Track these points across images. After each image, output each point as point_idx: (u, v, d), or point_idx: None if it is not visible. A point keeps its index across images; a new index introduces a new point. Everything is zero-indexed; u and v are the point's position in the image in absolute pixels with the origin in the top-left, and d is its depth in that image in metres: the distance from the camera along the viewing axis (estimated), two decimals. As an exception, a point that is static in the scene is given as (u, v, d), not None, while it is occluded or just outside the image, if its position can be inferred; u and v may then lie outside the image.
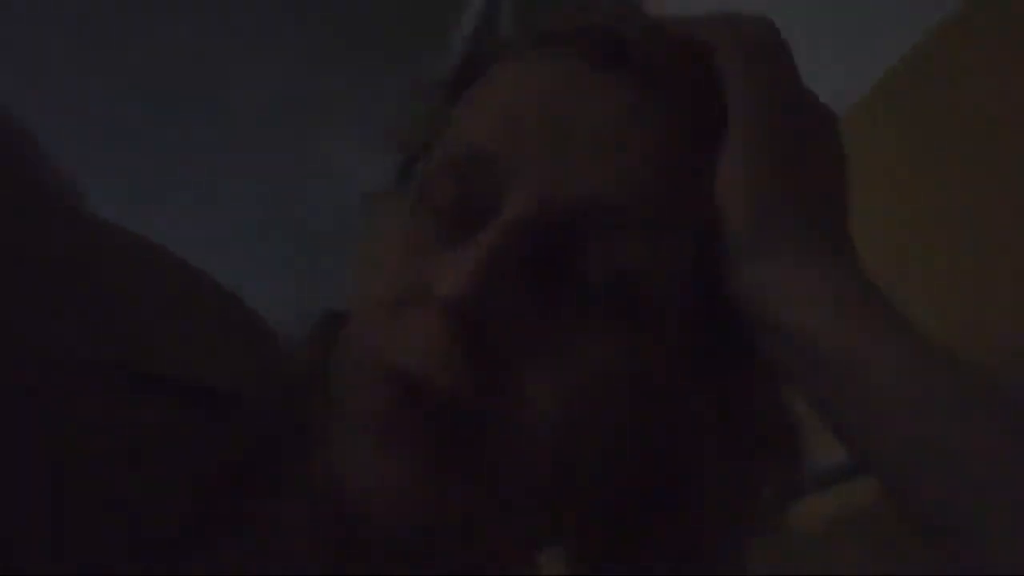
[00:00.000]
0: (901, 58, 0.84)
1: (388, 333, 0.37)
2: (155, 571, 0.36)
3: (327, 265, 0.44)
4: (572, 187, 0.37)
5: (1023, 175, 0.70)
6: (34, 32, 2.16)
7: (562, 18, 0.43)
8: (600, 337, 0.37)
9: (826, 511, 0.75)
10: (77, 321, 0.38)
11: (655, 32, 0.41)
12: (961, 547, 0.32)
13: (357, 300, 0.40)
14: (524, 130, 0.38)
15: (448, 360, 0.35)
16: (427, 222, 0.39)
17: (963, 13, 0.78)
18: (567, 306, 0.37)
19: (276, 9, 2.13)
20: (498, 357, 0.35)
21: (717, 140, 0.39)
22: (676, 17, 0.43)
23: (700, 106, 0.40)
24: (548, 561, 0.44)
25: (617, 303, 0.37)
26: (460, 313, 0.35)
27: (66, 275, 0.40)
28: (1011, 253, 0.70)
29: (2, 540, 0.34)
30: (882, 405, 0.34)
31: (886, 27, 0.88)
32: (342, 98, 2.11)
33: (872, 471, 0.36)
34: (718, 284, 0.39)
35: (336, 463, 0.36)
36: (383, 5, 2.02)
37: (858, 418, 0.35)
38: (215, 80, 2.25)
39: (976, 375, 0.34)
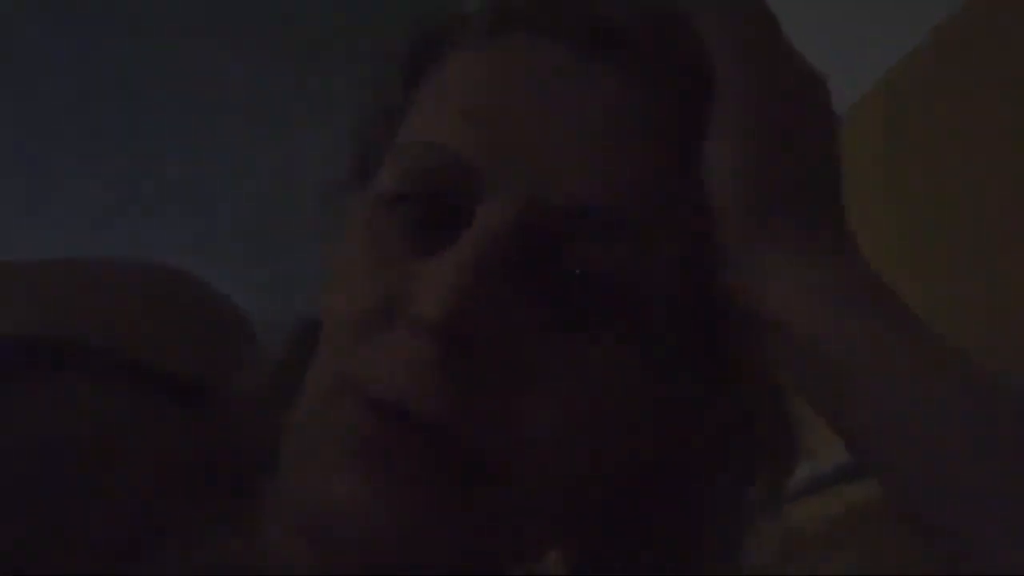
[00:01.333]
0: (901, 58, 0.84)
1: (365, 357, 0.34)
2: (122, 566, 0.36)
3: (311, 265, 0.42)
4: (558, 194, 0.35)
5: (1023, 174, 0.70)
6: (19, 33, 2.16)
7: None
8: (591, 345, 0.35)
9: (826, 511, 0.75)
10: (54, 305, 0.39)
11: (642, 15, 0.38)
12: (960, 548, 0.31)
13: (326, 315, 0.38)
14: (502, 130, 0.36)
15: (434, 386, 0.33)
16: (394, 227, 0.36)
17: (963, 13, 0.78)
18: (555, 316, 0.35)
19: (264, 7, 2.12)
20: (487, 377, 0.33)
21: (705, 127, 0.37)
22: None
23: (688, 93, 0.37)
24: (548, 561, 0.44)
25: (607, 309, 0.35)
26: (443, 335, 0.32)
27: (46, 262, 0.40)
28: (1012, 252, 0.70)
29: None
30: (880, 404, 0.33)
31: (886, 27, 0.88)
32: (331, 97, 2.10)
33: (870, 469, 0.35)
34: (713, 280, 0.37)
35: (316, 487, 0.34)
36: (377, 3, 2.01)
37: (856, 416, 0.34)
38: (199, 78, 2.24)
39: (978, 373, 0.33)
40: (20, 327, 0.38)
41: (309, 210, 0.46)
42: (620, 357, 0.36)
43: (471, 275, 0.33)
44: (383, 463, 0.33)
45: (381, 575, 0.34)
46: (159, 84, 2.26)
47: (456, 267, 0.33)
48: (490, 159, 0.35)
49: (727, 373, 0.40)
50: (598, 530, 0.41)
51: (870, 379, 0.34)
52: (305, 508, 0.35)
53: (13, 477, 0.35)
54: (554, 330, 0.35)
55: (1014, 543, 0.30)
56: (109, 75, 2.25)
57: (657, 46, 0.37)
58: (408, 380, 0.33)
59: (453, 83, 0.39)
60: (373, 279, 0.36)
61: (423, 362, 0.33)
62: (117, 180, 2.47)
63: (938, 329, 0.35)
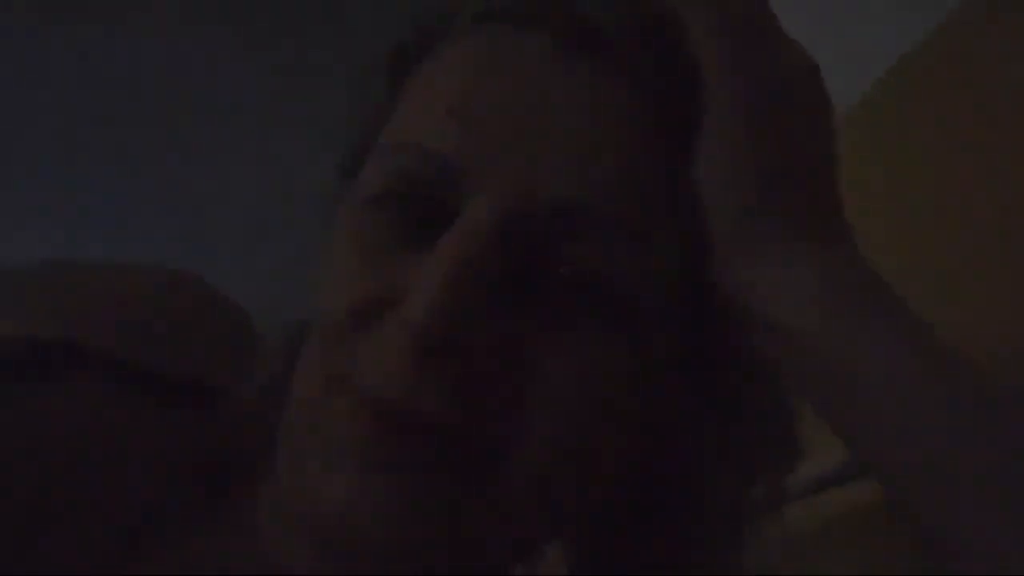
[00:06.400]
0: (901, 58, 0.84)
1: (355, 355, 0.34)
2: (123, 566, 0.36)
3: (308, 266, 0.42)
4: (544, 192, 0.34)
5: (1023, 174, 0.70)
6: (29, 36, 2.17)
7: None
8: (581, 344, 0.35)
9: (826, 511, 0.75)
10: (59, 307, 0.39)
11: (627, 9, 0.37)
12: (958, 547, 0.31)
13: (316, 314, 0.37)
14: (485, 127, 0.35)
15: (422, 384, 0.33)
16: (381, 225, 0.36)
17: (963, 13, 0.78)
18: (544, 315, 0.34)
19: (269, 13, 2.13)
20: (475, 375, 0.33)
21: (697, 127, 0.36)
22: None
23: (678, 90, 0.36)
24: (548, 561, 0.44)
25: (600, 308, 0.35)
26: (427, 335, 0.32)
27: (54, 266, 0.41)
28: (1012, 252, 0.70)
29: None
30: (876, 405, 0.33)
31: (886, 27, 0.88)
32: (325, 96, 2.10)
33: (870, 468, 0.35)
34: (708, 282, 0.36)
35: (313, 488, 0.34)
36: (376, 10, 2.01)
37: (852, 417, 0.34)
38: (207, 82, 2.25)
39: (975, 374, 0.33)
40: (26, 329, 0.38)
41: (304, 210, 0.46)
42: (610, 356, 0.35)
43: (455, 275, 0.32)
44: (378, 462, 0.33)
45: (380, 574, 0.34)
46: (157, 83, 2.27)
47: (440, 267, 0.32)
48: (475, 157, 0.35)
49: (725, 372, 0.40)
50: (597, 529, 0.41)
51: (868, 377, 0.33)
52: (303, 509, 0.34)
53: (17, 477, 0.35)
54: (544, 329, 0.34)
55: (1013, 543, 0.30)
56: (108, 75, 2.25)
57: (643, 41, 0.37)
58: (397, 379, 0.33)
59: (437, 79, 0.38)
60: (361, 277, 0.35)
61: (410, 362, 0.33)
62: (116, 180, 2.47)
63: (938, 329, 0.35)
